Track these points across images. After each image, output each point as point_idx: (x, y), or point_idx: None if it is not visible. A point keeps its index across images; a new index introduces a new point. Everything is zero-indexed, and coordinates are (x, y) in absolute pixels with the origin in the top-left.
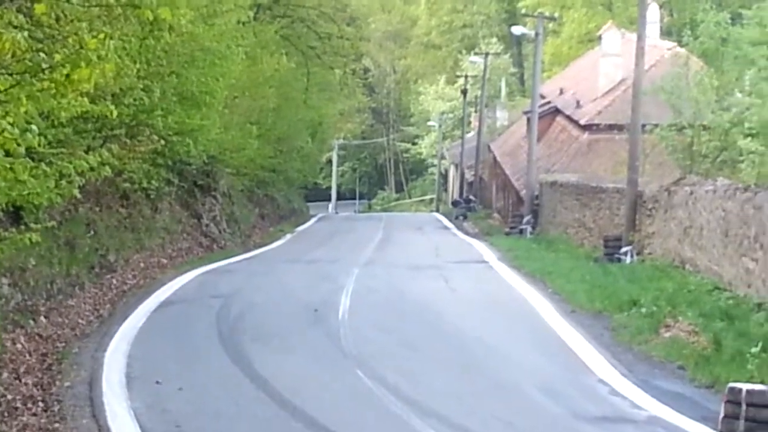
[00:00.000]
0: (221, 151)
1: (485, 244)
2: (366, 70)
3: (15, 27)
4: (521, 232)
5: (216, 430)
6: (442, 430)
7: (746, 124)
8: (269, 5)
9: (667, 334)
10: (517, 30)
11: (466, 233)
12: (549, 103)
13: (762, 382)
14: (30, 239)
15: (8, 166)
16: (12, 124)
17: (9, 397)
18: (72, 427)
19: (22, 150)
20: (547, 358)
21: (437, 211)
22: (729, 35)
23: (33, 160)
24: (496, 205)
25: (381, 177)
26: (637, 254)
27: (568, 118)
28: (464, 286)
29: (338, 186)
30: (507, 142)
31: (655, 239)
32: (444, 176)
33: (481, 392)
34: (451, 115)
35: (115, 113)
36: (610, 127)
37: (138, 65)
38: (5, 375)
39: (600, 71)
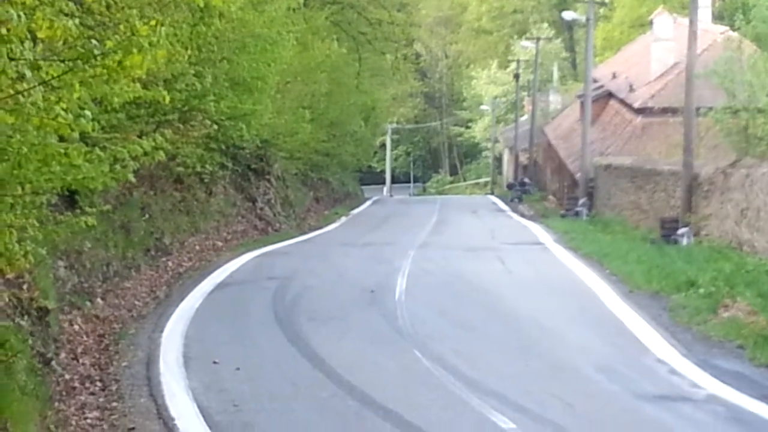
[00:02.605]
0: (274, 135)
1: (541, 227)
2: (417, 56)
3: (66, 15)
4: (577, 214)
5: (273, 410)
6: (501, 410)
7: None
8: None
9: (726, 314)
10: (567, 15)
11: (522, 215)
12: (602, 87)
13: None
14: (86, 222)
15: (63, 151)
16: (66, 110)
17: (67, 376)
18: (130, 405)
19: (76, 135)
20: (605, 339)
21: (492, 194)
22: None
23: (87, 145)
24: (551, 188)
25: (435, 160)
26: (694, 236)
27: (622, 101)
28: (521, 268)
29: (392, 169)
30: (560, 126)
31: (711, 221)
32: (498, 159)
33: (539, 373)
34: (503, 100)
35: (167, 99)
36: (664, 111)
37: (189, 51)
38: (63, 355)
39: (652, 55)
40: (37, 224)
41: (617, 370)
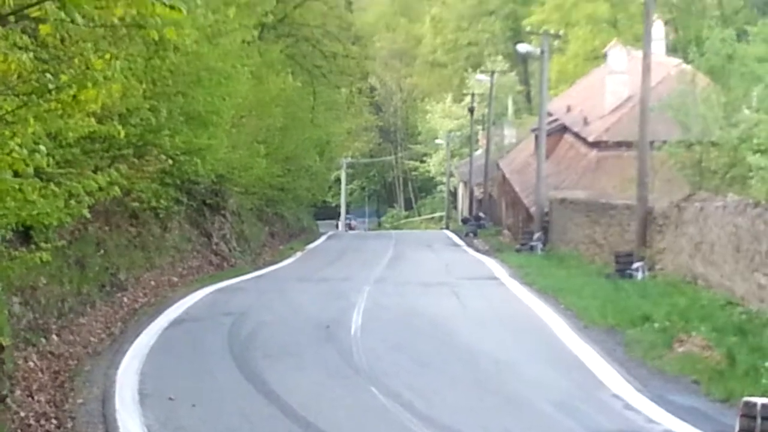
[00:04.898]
0: (229, 170)
1: (496, 261)
2: (372, 89)
3: (20, 48)
4: (532, 248)
5: None
6: None
7: (755, 140)
8: (274, 25)
9: (681, 349)
10: (522, 48)
11: (477, 250)
12: (557, 120)
13: None
14: (40, 258)
15: (17, 186)
16: (20, 145)
17: (22, 414)
18: None
19: (30, 170)
20: (561, 374)
21: (447, 228)
22: (735, 52)
23: (42, 180)
24: (506, 222)
25: (390, 194)
26: (649, 270)
27: (576, 135)
28: (476, 303)
29: (347, 204)
30: (515, 160)
31: (666, 255)
32: (453, 194)
33: (494, 408)
34: (458, 133)
35: (122, 133)
36: (618, 144)
37: (144, 85)
38: (18, 392)
39: (607, 88)
40: None
41: (573, 406)
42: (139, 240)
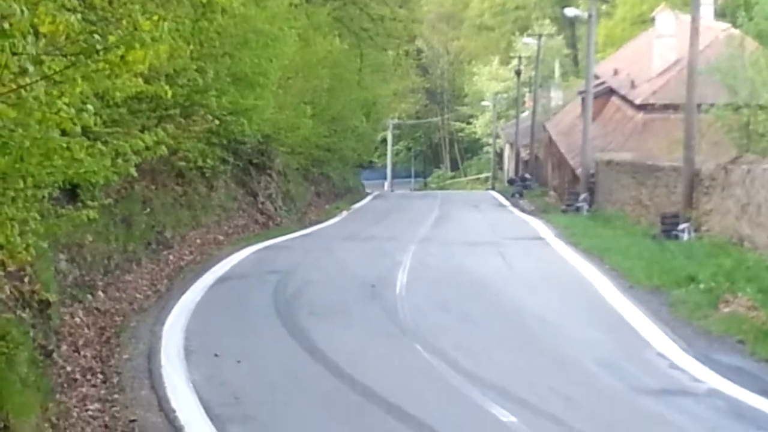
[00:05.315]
0: (276, 130)
1: (542, 222)
2: (419, 51)
3: (68, 10)
4: (577, 209)
5: (274, 402)
6: (501, 404)
7: None
8: None
9: (726, 310)
10: (570, 12)
11: (523, 211)
12: (603, 83)
13: None
14: (87, 216)
15: (65, 145)
16: (68, 104)
17: (68, 369)
18: (131, 398)
19: (78, 129)
20: (606, 333)
21: (493, 189)
22: None
23: (89, 139)
24: (552, 184)
25: (436, 155)
26: (695, 231)
27: (623, 98)
28: (521, 263)
29: (393, 164)
30: (562, 122)
31: (712, 217)
32: (499, 155)
33: (539, 367)
34: (505, 96)
35: (169, 93)
36: (665, 107)
37: (191, 47)
38: (64, 348)
39: (654, 52)
40: (38, 217)
41: (618, 365)
42: (185, 199)
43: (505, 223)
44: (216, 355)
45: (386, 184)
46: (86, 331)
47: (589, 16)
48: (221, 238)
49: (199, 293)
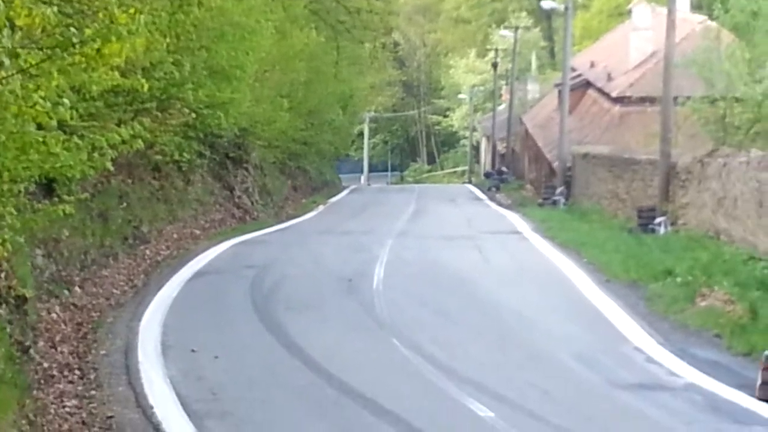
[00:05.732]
0: (252, 123)
1: (518, 215)
2: (396, 44)
3: (45, 2)
4: (554, 203)
5: (252, 398)
6: (478, 398)
7: None
8: None
9: (703, 304)
10: (546, 4)
11: (499, 204)
12: (580, 75)
13: None
14: (63, 211)
15: (41, 139)
16: (44, 98)
17: (45, 365)
18: (108, 394)
19: (54, 123)
20: (583, 327)
21: (470, 182)
22: (760, 9)
23: (65, 133)
24: (529, 177)
25: (413, 149)
26: (671, 225)
27: (600, 90)
28: (498, 257)
29: (370, 158)
30: (538, 115)
31: (688, 210)
32: (476, 148)
33: (516, 361)
34: (481, 88)
35: (146, 87)
36: (642, 100)
37: (168, 40)
38: (41, 344)
39: (631, 44)
40: (14, 212)
41: (595, 359)
42: (161, 193)
43: (482, 217)
44: (193, 351)
45: (363, 178)
46: (63, 326)
47: (566, 8)
48: (198, 232)
49: (176, 288)
